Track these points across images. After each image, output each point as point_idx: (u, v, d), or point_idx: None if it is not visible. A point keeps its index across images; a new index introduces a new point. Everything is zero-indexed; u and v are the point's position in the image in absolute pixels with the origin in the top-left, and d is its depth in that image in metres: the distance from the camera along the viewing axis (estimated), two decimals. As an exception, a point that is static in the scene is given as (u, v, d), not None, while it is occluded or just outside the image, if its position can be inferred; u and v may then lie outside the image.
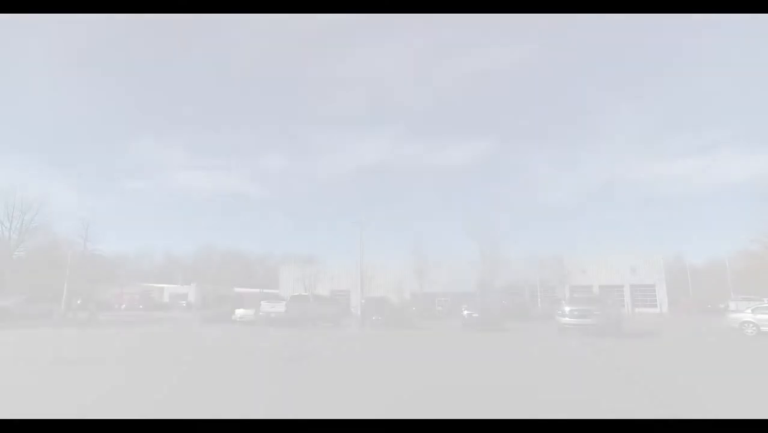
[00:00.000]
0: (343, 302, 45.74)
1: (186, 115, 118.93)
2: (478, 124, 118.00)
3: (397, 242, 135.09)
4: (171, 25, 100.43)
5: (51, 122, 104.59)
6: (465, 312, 20.98)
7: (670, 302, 49.27)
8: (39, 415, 4.64)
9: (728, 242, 71.55)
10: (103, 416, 5.19)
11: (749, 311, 19.95)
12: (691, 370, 9.67)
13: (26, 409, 5.39)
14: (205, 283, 61.60)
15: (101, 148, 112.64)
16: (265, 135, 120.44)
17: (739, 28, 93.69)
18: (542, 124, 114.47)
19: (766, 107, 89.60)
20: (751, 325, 18.79)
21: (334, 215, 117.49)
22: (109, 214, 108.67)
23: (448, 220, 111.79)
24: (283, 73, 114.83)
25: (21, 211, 32.73)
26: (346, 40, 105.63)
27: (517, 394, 6.86)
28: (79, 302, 38.41)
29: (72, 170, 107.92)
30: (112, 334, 19.09)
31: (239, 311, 25.12)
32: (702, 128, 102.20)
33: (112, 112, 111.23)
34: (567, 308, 18.59)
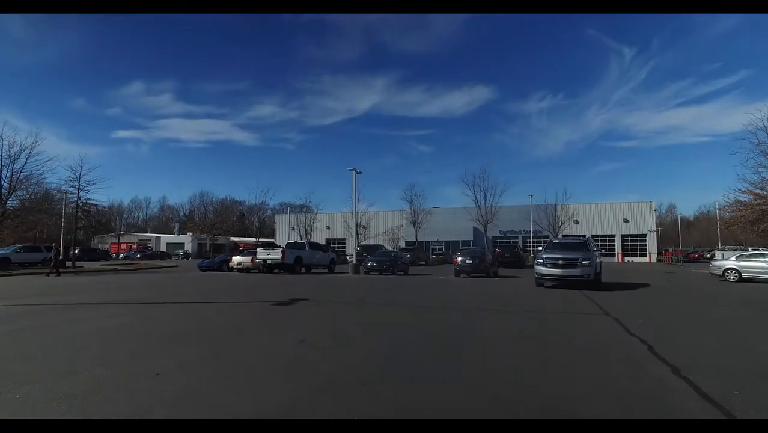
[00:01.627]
0: (339, 250, 46.48)
1: (174, 60, 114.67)
2: (477, 73, 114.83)
3: (392, 190, 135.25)
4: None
5: (32, 68, 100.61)
6: (458, 259, 21.40)
7: (659, 252, 50.43)
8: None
9: (720, 193, 72.07)
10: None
11: (733, 258, 20.51)
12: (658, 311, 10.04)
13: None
14: (201, 232, 62.00)
15: (88, 96, 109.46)
16: (256, 81, 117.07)
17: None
18: (542, 74, 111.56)
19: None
20: (733, 272, 19.38)
21: (329, 165, 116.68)
22: (101, 165, 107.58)
23: (444, 169, 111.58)
24: (275, 17, 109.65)
25: (9, 158, 32.17)
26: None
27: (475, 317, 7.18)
28: (77, 251, 38.80)
29: (58, 120, 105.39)
30: (104, 281, 19.46)
31: (236, 259, 25.53)
32: (704, 76, 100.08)
33: (95, 57, 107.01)
34: (545, 256, 15.01)
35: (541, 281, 15.07)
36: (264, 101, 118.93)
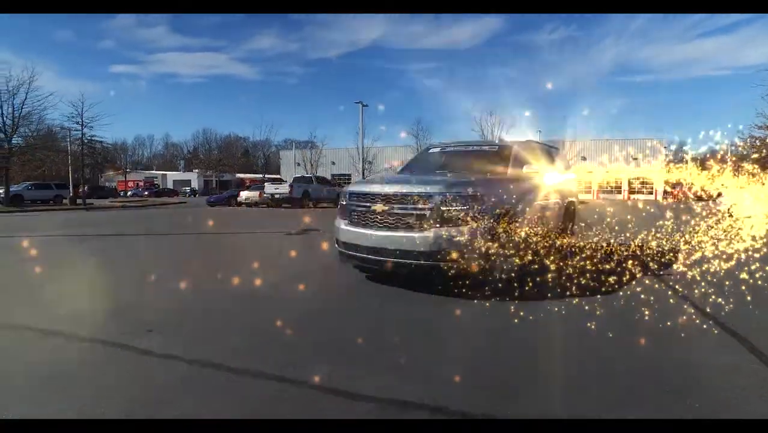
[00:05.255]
0: (345, 185, 46.71)
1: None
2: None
3: (398, 125, 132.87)
4: None
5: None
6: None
7: (666, 190, 50.26)
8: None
9: (735, 131, 70.14)
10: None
11: (739, 194, 20.46)
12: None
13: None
14: (207, 169, 62.12)
15: (76, 27, 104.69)
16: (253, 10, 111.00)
17: None
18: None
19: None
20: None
21: (332, 99, 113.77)
22: (99, 101, 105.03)
23: (451, 103, 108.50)
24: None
25: (9, 93, 31.53)
26: None
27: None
28: (86, 188, 39.21)
29: (50, 54, 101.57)
30: (120, 215, 19.89)
31: (244, 194, 25.82)
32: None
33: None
34: (360, 190, 4.96)
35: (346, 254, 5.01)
36: (262, 32, 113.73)
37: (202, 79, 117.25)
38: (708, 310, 3.68)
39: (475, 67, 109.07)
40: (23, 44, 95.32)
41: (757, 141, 26.14)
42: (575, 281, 4.49)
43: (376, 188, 4.66)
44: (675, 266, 5.57)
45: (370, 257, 4.48)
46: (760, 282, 4.32)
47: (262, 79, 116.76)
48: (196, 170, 66.92)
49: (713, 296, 3.96)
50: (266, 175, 54.83)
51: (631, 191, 50.28)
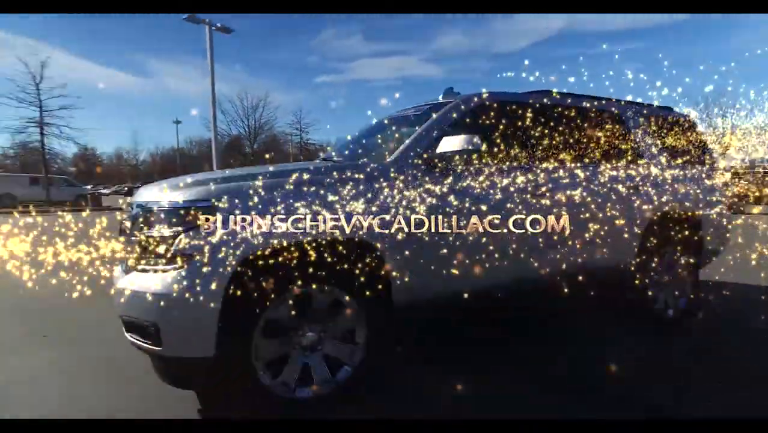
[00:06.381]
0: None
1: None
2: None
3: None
4: None
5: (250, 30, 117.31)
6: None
7: None
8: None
9: None
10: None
11: None
12: None
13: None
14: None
15: (291, 49, 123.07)
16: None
17: None
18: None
19: None
20: None
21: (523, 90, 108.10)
22: (310, 110, 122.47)
23: (658, 88, 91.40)
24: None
25: (252, 109, 39.46)
26: None
27: None
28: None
29: (269, 72, 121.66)
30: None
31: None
32: None
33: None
34: (136, 202, 2.25)
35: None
36: (447, 32, 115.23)
37: (391, 81, 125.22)
38: None
39: (686, 43, 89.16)
40: (251, 66, 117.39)
41: None
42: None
43: (144, 195, 2.28)
44: None
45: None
46: None
47: (449, 77, 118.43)
48: (391, 167, 72.51)
49: None
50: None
51: None
